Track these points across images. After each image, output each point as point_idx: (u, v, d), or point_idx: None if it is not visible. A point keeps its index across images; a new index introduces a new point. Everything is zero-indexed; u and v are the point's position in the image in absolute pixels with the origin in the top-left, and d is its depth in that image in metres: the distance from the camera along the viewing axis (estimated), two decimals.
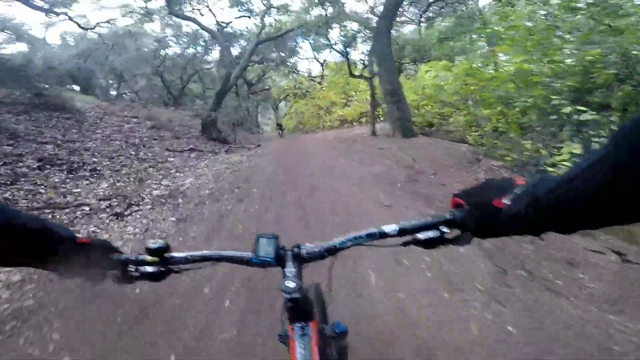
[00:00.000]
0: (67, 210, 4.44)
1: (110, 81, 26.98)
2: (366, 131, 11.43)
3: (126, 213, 4.55)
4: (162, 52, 20.55)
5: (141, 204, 4.96)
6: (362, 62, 15.69)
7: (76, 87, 21.98)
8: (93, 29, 17.91)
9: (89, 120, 11.51)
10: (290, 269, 0.61)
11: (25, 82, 10.43)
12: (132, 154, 8.84)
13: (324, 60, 26.22)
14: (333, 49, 13.53)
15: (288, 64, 25.14)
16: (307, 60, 34.53)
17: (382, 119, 12.82)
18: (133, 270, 0.63)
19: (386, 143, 8.47)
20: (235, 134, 13.04)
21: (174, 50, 22.58)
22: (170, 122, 13.70)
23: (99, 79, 21.53)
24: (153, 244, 0.63)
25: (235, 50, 20.32)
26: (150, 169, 7.96)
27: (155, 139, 11.15)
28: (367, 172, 5.80)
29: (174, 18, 19.26)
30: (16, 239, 0.49)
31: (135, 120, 12.76)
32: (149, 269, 0.63)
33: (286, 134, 21.05)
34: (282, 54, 23.76)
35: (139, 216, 4.46)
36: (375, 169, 6.00)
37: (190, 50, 22.88)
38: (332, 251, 0.63)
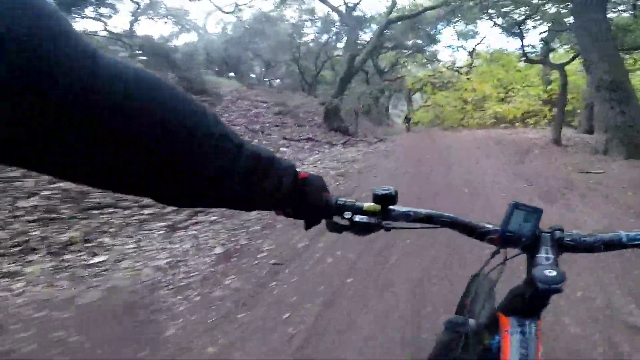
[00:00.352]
0: (126, 209, 3.54)
1: (258, 67, 29.35)
2: (541, 137, 7.83)
3: (181, 226, 3.34)
4: (298, 39, 20.37)
5: (210, 212, 3.72)
6: (542, 46, 11.33)
7: (231, 74, 24.60)
8: (232, 12, 18.94)
9: (223, 103, 11.79)
10: (548, 255, 0.46)
11: (176, 69, 11.28)
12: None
13: (473, 49, 21.59)
14: (500, 28, 9.73)
15: (426, 51, 21.66)
16: (450, 48, 29.32)
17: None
18: (348, 217, 0.51)
19: (592, 164, 5.10)
20: (357, 125, 11.27)
21: (309, 37, 22.39)
22: (297, 109, 13.04)
23: (244, 64, 23.19)
24: (382, 190, 0.52)
25: (366, 36, 18.63)
26: None
27: (277, 126, 10.49)
28: (570, 222, 3.04)
29: (307, 2, 18.69)
30: (246, 169, 0.38)
31: (264, 105, 12.54)
32: (365, 219, 0.51)
33: (420, 129, 18.27)
34: (419, 41, 20.57)
35: (190, 234, 3.17)
36: (583, 218, 3.16)
37: (324, 37, 22.27)
38: (613, 245, 0.48)
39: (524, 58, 8.77)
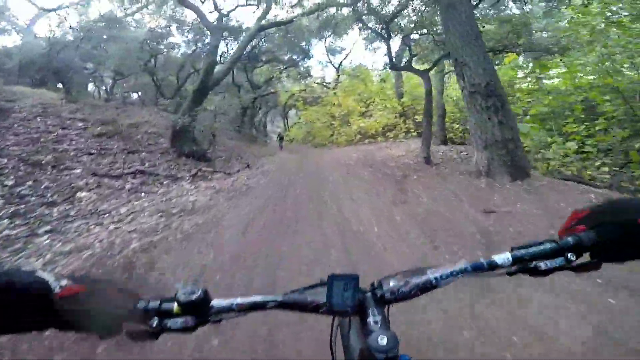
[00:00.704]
0: None
1: (107, 79, 23.65)
2: (407, 154, 7.14)
3: None
4: (162, 47, 16.61)
5: None
6: (402, 53, 11.22)
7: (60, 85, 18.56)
8: (55, 10, 14.30)
9: (8, 121, 7.72)
10: (375, 317, 0.46)
11: None
12: (4, 186, 4.82)
13: (340, 64, 22.27)
14: (370, 29, 9.01)
15: (300, 66, 21.21)
16: (320, 64, 30.12)
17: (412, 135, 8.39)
18: (156, 323, 0.43)
19: (487, 194, 4.11)
20: (214, 149, 8.82)
21: (172, 44, 18.83)
22: (134, 128, 9.75)
23: (77, 73, 17.77)
24: (186, 294, 0.43)
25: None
26: (5, 220, 3.92)
27: (91, 153, 7.17)
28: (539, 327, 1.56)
29: (173, 7, 15.61)
30: None
31: (81, 124, 8.85)
32: (180, 321, 0.43)
33: (294, 146, 17.23)
34: (294, 56, 20.00)
35: None
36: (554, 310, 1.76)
37: (193, 47, 19.14)
38: (426, 288, 0.49)
39: (389, 65, 8.09)
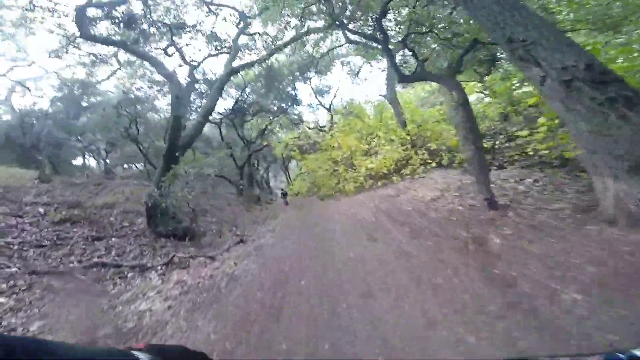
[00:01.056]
0: None
1: (102, 150, 23.45)
2: (441, 193, 5.73)
3: None
4: (130, 109, 16.26)
5: None
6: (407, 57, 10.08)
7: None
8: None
9: None
10: None
11: None
12: None
13: (330, 104, 21.75)
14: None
15: (290, 114, 20.82)
16: (310, 107, 30.00)
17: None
18: None
19: None
20: (195, 226, 7.46)
21: (154, 107, 18.66)
22: (109, 209, 8.75)
23: (50, 146, 17.22)
24: None
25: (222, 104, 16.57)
26: None
27: (42, 245, 6.04)
28: None
29: (145, 66, 15.55)
30: None
31: (42, 210, 7.88)
32: None
33: (299, 200, 16.18)
34: (283, 104, 19.76)
35: None
36: None
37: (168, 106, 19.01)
38: None
39: (398, 77, 6.55)
